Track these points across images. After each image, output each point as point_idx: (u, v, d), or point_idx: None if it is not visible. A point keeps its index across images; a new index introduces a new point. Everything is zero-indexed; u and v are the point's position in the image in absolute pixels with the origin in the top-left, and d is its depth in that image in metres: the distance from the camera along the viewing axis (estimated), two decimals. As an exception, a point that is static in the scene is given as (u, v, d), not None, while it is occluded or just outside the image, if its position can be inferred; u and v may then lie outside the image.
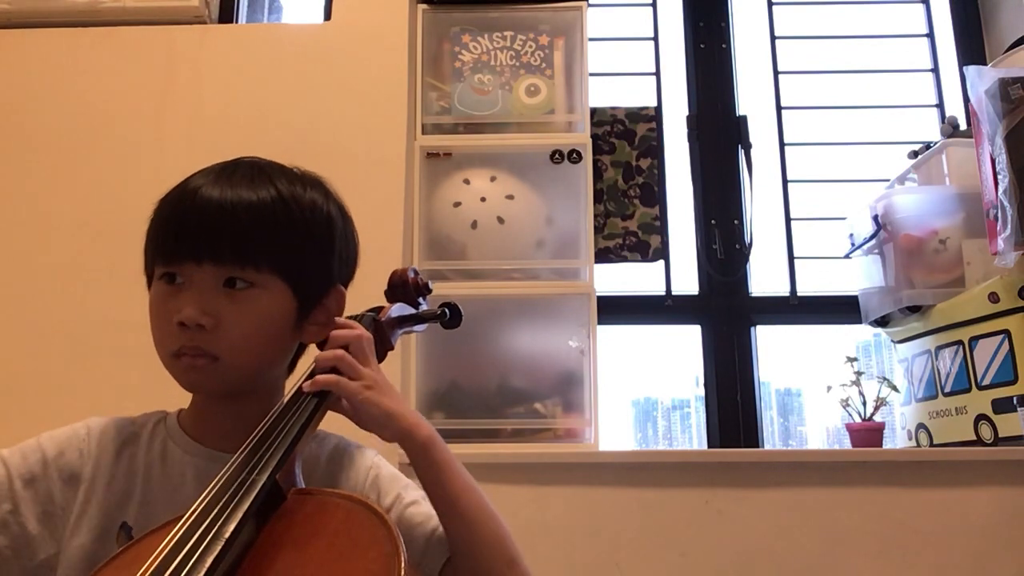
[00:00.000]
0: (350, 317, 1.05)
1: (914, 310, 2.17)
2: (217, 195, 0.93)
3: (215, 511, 0.76)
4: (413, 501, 0.98)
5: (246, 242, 0.92)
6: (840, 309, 2.44)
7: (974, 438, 2.01)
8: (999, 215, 1.90)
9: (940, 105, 2.61)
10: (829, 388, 2.29)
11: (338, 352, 0.94)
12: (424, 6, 2.37)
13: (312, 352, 1.02)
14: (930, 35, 2.69)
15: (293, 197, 0.96)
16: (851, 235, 2.38)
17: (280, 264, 0.95)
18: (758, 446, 2.36)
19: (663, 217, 2.46)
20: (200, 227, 0.92)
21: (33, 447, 0.96)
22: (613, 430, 2.52)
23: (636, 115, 2.51)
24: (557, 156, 2.27)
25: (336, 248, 1.01)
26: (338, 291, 1.03)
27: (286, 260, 0.95)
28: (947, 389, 2.11)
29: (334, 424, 1.04)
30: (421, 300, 1.18)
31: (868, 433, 2.21)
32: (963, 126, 2.31)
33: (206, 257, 0.92)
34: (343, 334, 0.97)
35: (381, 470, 1.02)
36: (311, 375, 0.95)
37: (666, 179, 2.51)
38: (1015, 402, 1.87)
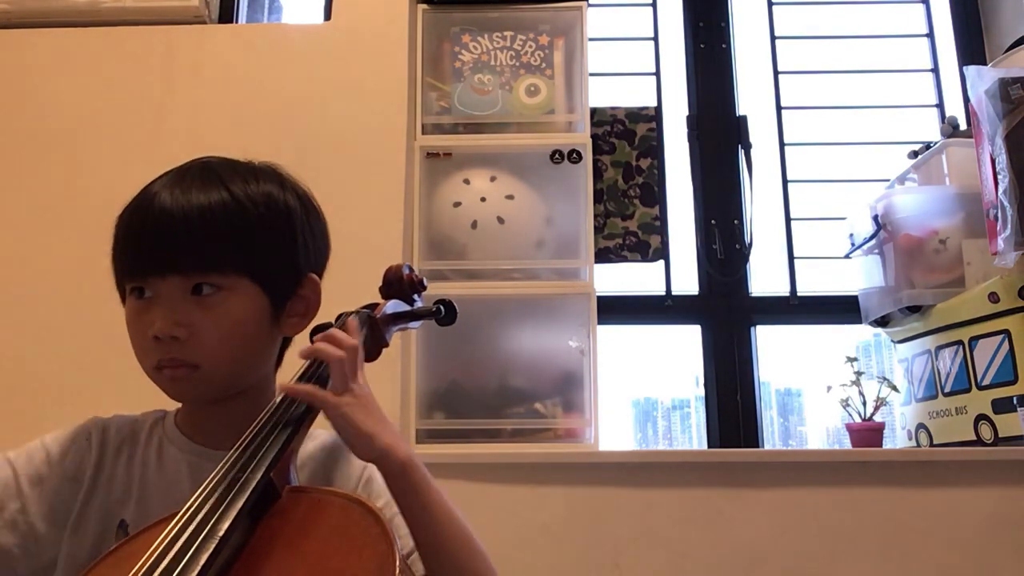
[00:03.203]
0: (344, 313, 1.05)
1: (914, 310, 2.17)
2: (170, 204, 0.92)
3: (209, 509, 0.76)
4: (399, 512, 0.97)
5: (205, 248, 0.92)
6: (840, 309, 2.44)
7: (974, 438, 2.00)
8: (999, 215, 1.90)
9: (940, 105, 2.61)
10: (829, 388, 2.29)
11: (337, 355, 0.91)
12: (424, 6, 2.37)
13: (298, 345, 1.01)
14: (930, 35, 2.68)
15: (247, 195, 0.96)
16: (851, 235, 2.37)
17: (243, 264, 0.94)
18: (758, 446, 2.36)
19: (663, 217, 2.46)
20: (157, 239, 0.92)
21: (38, 448, 0.98)
22: (613, 430, 2.52)
23: (636, 115, 2.51)
24: (557, 156, 2.27)
25: (299, 238, 1.00)
26: (312, 280, 1.02)
27: (249, 259, 0.95)
28: (947, 389, 2.10)
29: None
30: (416, 297, 1.18)
31: (868, 433, 2.21)
32: (963, 126, 2.31)
33: (168, 269, 0.92)
34: (329, 352, 0.91)
35: (375, 471, 0.99)
36: (302, 375, 0.95)
37: (666, 179, 2.51)
38: (1015, 402, 1.87)
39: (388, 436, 0.90)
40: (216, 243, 0.93)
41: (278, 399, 0.93)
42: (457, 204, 2.25)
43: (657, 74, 2.62)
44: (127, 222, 0.96)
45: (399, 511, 0.91)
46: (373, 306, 1.10)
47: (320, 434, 1.04)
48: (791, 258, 2.50)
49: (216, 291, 0.93)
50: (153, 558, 0.71)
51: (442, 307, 1.16)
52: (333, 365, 0.90)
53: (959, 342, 2.06)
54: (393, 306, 1.12)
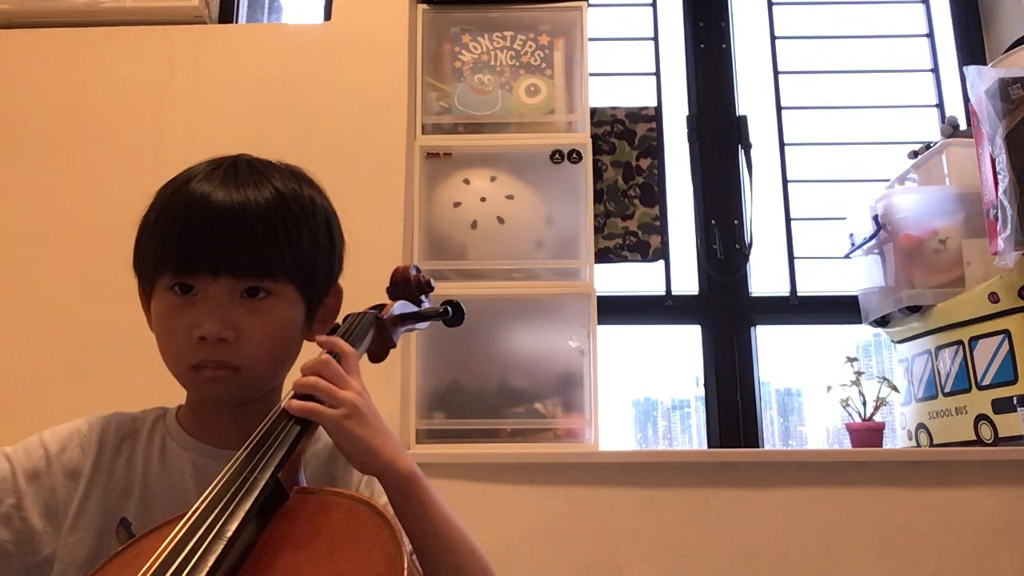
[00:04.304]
0: (352, 315, 1.06)
1: (914, 310, 2.17)
2: (228, 203, 0.91)
3: (217, 510, 0.76)
4: None
5: (262, 255, 0.93)
6: (840, 309, 2.44)
7: (974, 438, 2.01)
8: (999, 215, 1.90)
9: (940, 105, 2.61)
10: (829, 388, 2.29)
11: (310, 380, 0.88)
12: (424, 6, 2.37)
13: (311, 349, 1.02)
14: (930, 35, 2.69)
15: (295, 198, 0.97)
16: (851, 235, 2.38)
17: (293, 272, 0.96)
18: (758, 446, 2.36)
19: (663, 217, 2.46)
20: (216, 239, 0.91)
21: (36, 443, 0.97)
22: (613, 430, 2.52)
23: (636, 115, 2.51)
24: (557, 156, 2.27)
25: (336, 247, 1.03)
26: (338, 289, 1.05)
27: (298, 268, 0.96)
28: (947, 389, 2.11)
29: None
30: (423, 298, 1.18)
31: (868, 433, 2.21)
32: (963, 126, 2.31)
33: (224, 270, 0.91)
34: (312, 364, 0.90)
35: None
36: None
37: (666, 179, 2.51)
38: (1015, 402, 1.87)
39: (390, 450, 0.89)
40: (274, 251, 0.93)
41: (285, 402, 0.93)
42: (457, 204, 2.25)
43: (657, 74, 2.62)
44: (180, 216, 0.93)
45: (401, 526, 0.90)
46: (380, 307, 1.10)
47: (324, 434, 1.04)
48: (791, 258, 2.50)
49: (266, 296, 0.94)
50: (162, 559, 0.71)
51: (449, 308, 1.16)
52: (324, 371, 0.89)
53: (959, 342, 2.07)
54: (400, 307, 1.12)
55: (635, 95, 2.60)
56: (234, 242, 0.91)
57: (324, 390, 0.87)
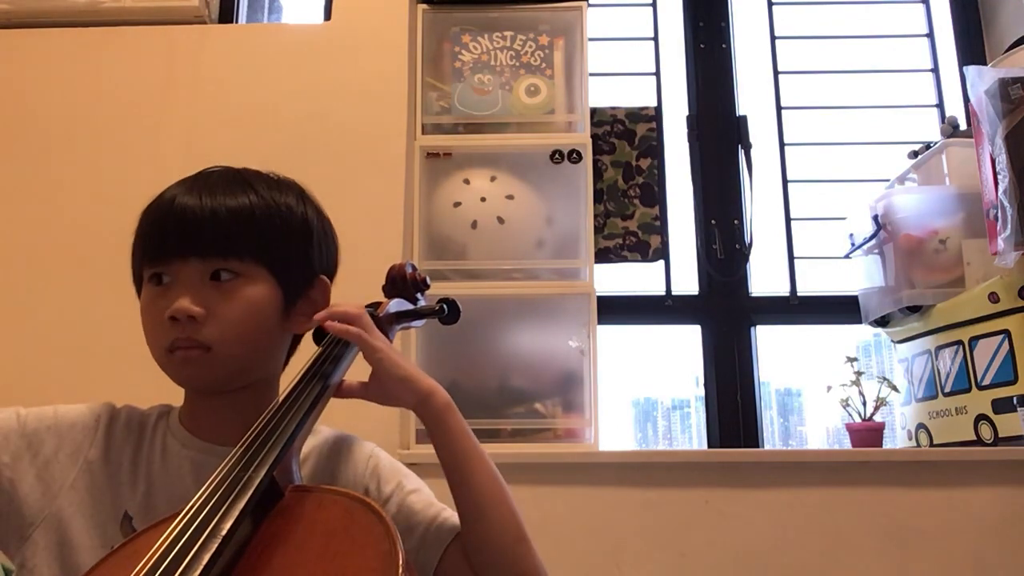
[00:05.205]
0: None
1: (914, 310, 2.17)
2: (197, 198, 0.96)
3: (211, 508, 0.76)
4: (414, 489, 1.01)
5: (228, 235, 0.95)
6: (840, 309, 2.44)
7: (974, 438, 2.00)
8: (999, 215, 1.90)
9: (940, 105, 2.61)
10: (829, 388, 2.29)
11: (357, 312, 0.98)
12: (424, 6, 2.37)
13: (304, 352, 1.02)
14: (930, 35, 2.69)
15: (270, 196, 1.00)
16: (851, 235, 2.37)
17: (262, 254, 0.97)
18: (758, 446, 2.36)
19: (663, 217, 2.45)
20: (183, 225, 0.95)
21: (49, 413, 0.99)
22: (613, 430, 2.52)
23: (636, 115, 2.51)
24: (557, 156, 2.27)
25: (315, 239, 1.04)
26: (322, 282, 1.05)
27: (267, 250, 0.98)
28: (947, 389, 2.10)
29: (334, 421, 1.05)
30: (419, 296, 1.19)
31: (868, 433, 2.21)
32: (963, 126, 2.31)
33: (191, 253, 0.94)
34: (349, 310, 0.98)
35: (380, 459, 1.04)
36: (317, 359, 0.99)
37: (666, 179, 2.51)
38: (1015, 402, 1.87)
39: (427, 380, 0.98)
40: (239, 231, 0.96)
41: (285, 393, 0.94)
42: (457, 204, 2.25)
43: (657, 74, 2.62)
44: (152, 215, 0.98)
45: (437, 457, 0.97)
46: (376, 305, 1.10)
47: (323, 430, 1.06)
48: (791, 258, 2.50)
49: (234, 277, 0.96)
50: (156, 557, 0.71)
51: (445, 306, 1.16)
52: (355, 320, 0.97)
53: (959, 342, 2.06)
54: (396, 305, 1.12)
55: (635, 95, 2.60)
56: (200, 226, 0.94)
57: (366, 320, 0.98)
